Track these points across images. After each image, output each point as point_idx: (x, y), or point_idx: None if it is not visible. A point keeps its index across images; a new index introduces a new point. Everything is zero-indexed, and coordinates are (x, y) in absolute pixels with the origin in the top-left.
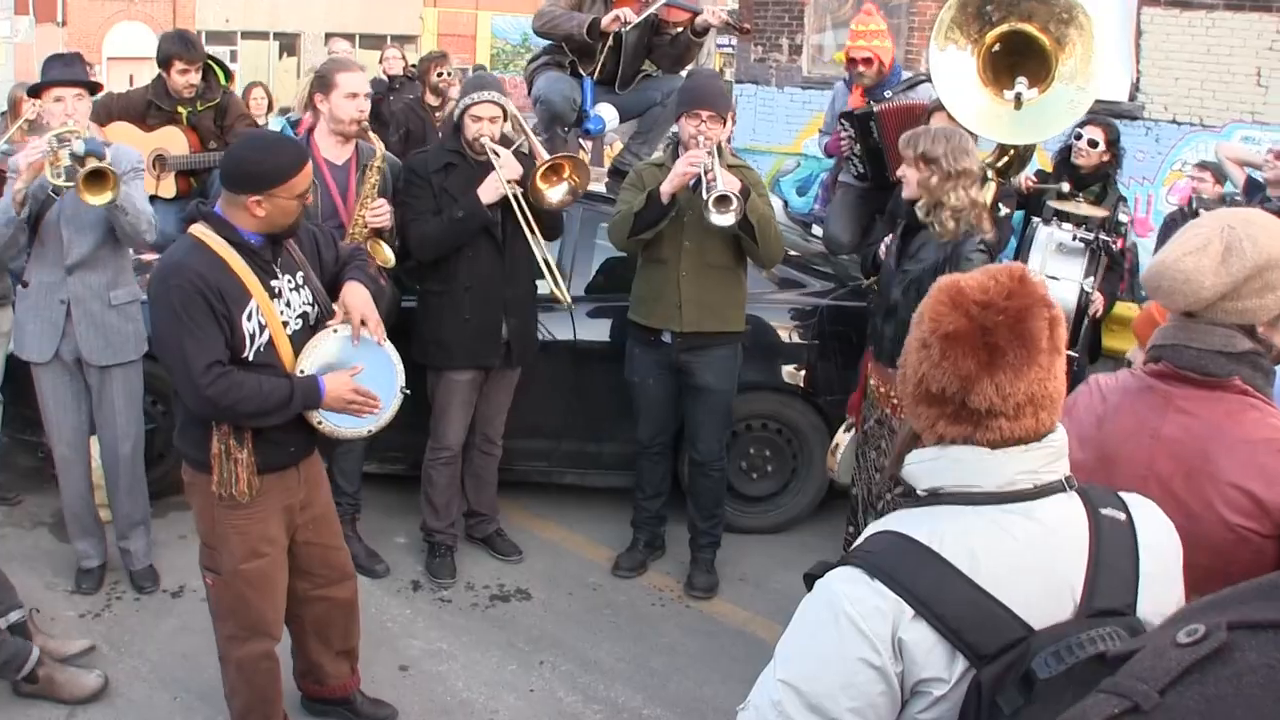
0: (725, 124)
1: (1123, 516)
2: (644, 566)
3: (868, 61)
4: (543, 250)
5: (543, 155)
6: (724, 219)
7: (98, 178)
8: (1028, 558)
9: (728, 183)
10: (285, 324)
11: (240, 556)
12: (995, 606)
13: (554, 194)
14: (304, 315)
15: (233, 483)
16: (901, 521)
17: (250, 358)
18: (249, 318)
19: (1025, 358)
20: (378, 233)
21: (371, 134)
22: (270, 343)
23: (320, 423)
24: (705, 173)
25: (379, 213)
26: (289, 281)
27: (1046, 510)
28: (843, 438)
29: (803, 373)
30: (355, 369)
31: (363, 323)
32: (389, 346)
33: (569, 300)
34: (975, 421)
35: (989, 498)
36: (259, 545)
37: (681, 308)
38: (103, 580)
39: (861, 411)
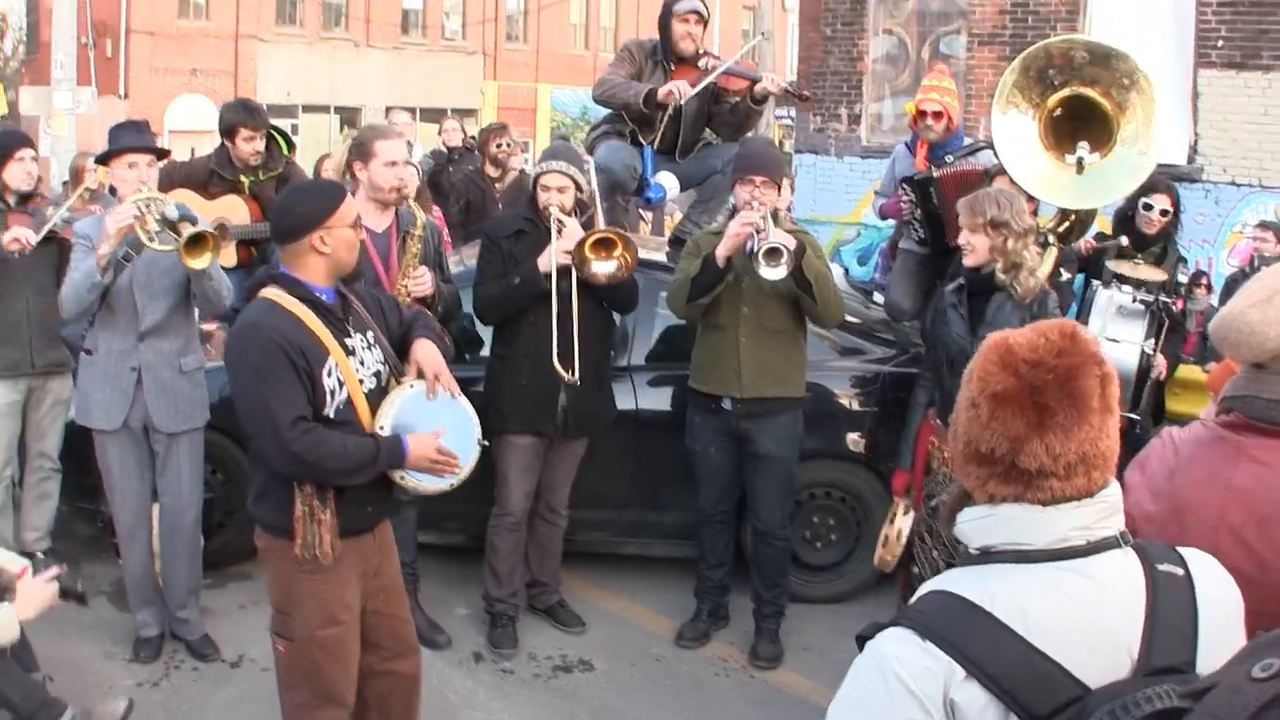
0: (780, 189)
1: (1180, 572)
2: (707, 636)
3: (937, 115)
4: (570, 324)
5: (598, 226)
6: (774, 272)
7: (198, 241)
8: (1082, 615)
9: (781, 239)
10: (360, 381)
11: (316, 623)
12: (1049, 665)
13: (601, 267)
14: (377, 374)
15: (316, 544)
16: (953, 581)
17: (331, 415)
18: (329, 374)
19: (1076, 417)
20: (420, 301)
21: (413, 202)
22: (349, 400)
23: (403, 478)
24: (758, 232)
25: (421, 281)
26: (361, 340)
27: (1101, 566)
28: (901, 523)
29: (865, 440)
30: (439, 432)
31: (436, 378)
32: (464, 400)
33: (572, 379)
34: (1026, 481)
35: (1042, 555)
36: (336, 611)
37: (741, 373)
38: (161, 649)
39: (925, 487)
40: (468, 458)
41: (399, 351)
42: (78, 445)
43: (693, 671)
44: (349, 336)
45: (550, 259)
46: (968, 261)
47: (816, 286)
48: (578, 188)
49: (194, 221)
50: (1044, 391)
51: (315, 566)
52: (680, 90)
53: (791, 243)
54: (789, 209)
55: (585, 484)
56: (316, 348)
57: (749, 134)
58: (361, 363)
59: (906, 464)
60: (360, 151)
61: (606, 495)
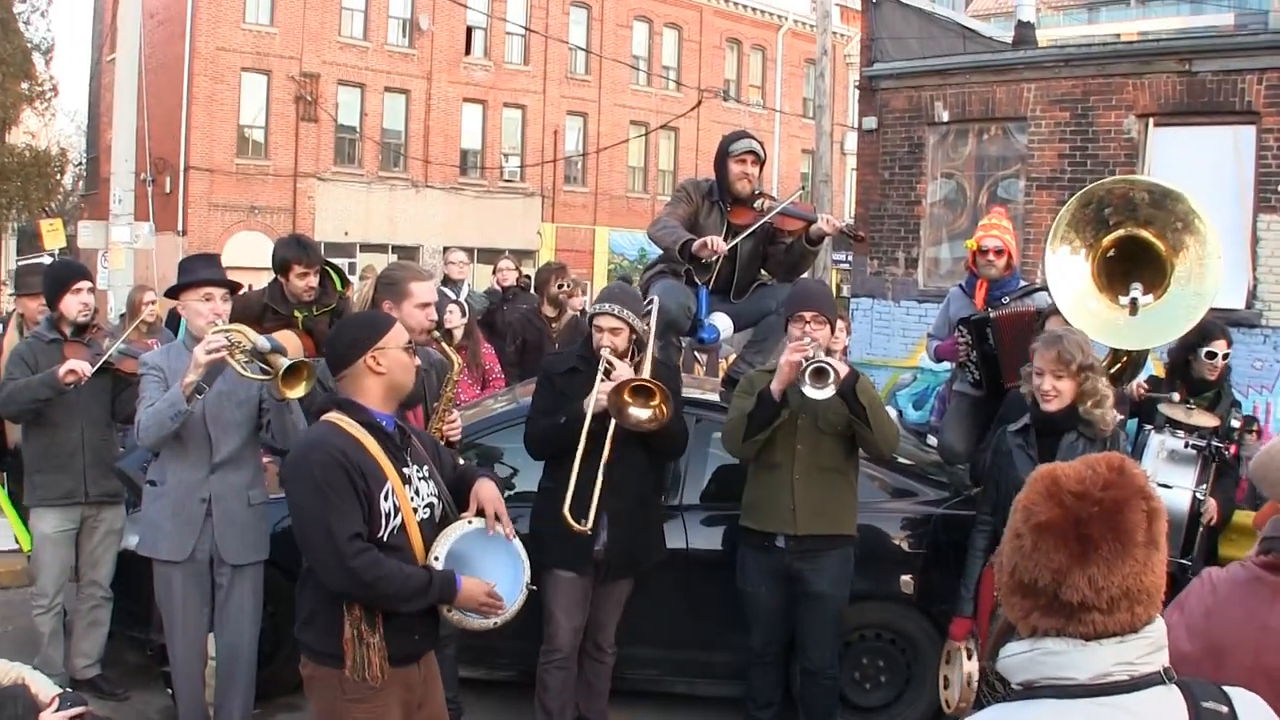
0: (832, 327)
1: (1225, 710)
2: None
3: (999, 252)
4: (595, 469)
5: (643, 373)
6: (821, 392)
7: (294, 372)
8: None
9: (831, 362)
10: (415, 511)
11: None
12: None
13: (637, 412)
14: (430, 506)
15: (364, 668)
16: (995, 715)
17: (384, 538)
18: (385, 498)
19: (1119, 551)
20: (450, 444)
21: (445, 345)
22: (402, 526)
23: (449, 610)
24: (808, 360)
25: (454, 425)
26: (418, 471)
27: (1144, 703)
28: (970, 668)
29: (917, 582)
30: (492, 584)
31: (496, 516)
32: (518, 543)
33: (583, 529)
34: (1068, 614)
35: (1084, 690)
36: None
37: (796, 511)
38: None
39: (992, 636)
40: (514, 599)
41: (452, 494)
42: (129, 574)
43: None
44: (406, 466)
45: (592, 401)
46: (1051, 407)
47: (870, 411)
48: (632, 330)
49: (283, 353)
50: (1088, 524)
51: (362, 693)
52: (714, 245)
53: (842, 367)
54: (845, 351)
55: (634, 621)
56: (376, 470)
57: (805, 274)
58: (416, 492)
59: (967, 610)
60: (392, 290)
61: (656, 633)
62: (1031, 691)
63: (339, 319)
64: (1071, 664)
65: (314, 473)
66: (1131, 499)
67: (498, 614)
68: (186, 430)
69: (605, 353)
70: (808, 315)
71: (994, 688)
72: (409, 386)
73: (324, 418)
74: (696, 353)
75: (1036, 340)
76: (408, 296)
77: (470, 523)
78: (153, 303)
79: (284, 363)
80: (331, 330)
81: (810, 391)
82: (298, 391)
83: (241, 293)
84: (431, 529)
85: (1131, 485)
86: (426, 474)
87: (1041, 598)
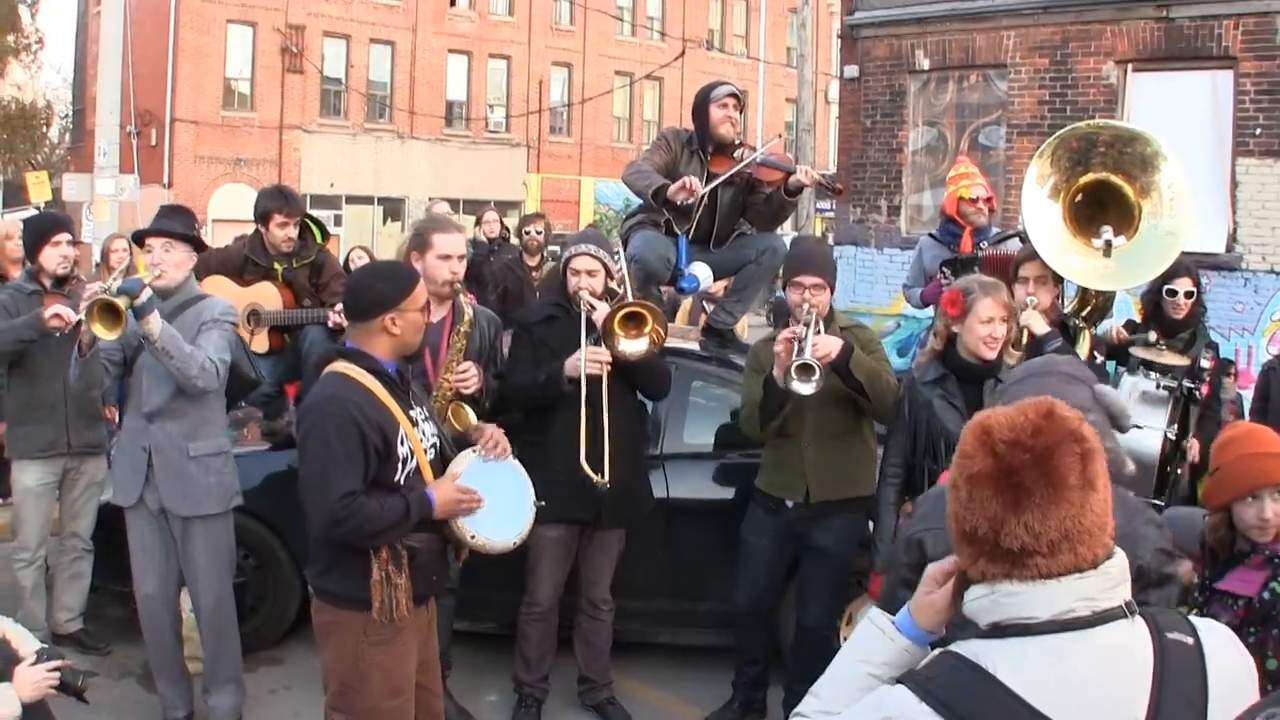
0: (831, 289)
1: (1190, 640)
2: None
3: (987, 200)
4: (601, 426)
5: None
6: (806, 387)
7: (110, 313)
8: (1088, 683)
9: (823, 347)
10: (425, 451)
11: (381, 694)
12: None
13: (630, 346)
14: (435, 446)
15: (393, 608)
16: (960, 645)
17: (401, 481)
18: (401, 443)
19: (1053, 496)
20: (464, 397)
21: (462, 298)
22: (417, 469)
23: (474, 537)
24: (799, 342)
25: (463, 377)
26: (420, 413)
27: (1108, 636)
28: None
29: None
30: (456, 474)
31: (491, 440)
32: (516, 463)
33: (601, 481)
34: (1011, 560)
35: (1047, 626)
36: (400, 682)
37: (807, 476)
38: None
39: None
40: (524, 516)
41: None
42: (111, 528)
43: None
44: (411, 409)
45: (580, 365)
46: (991, 354)
47: (867, 384)
48: (608, 273)
49: (132, 295)
50: (1019, 472)
51: (385, 635)
52: (691, 185)
53: (834, 347)
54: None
55: (617, 573)
56: (390, 419)
57: (786, 223)
58: (423, 433)
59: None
60: (418, 242)
61: (637, 584)
62: (998, 631)
63: (318, 272)
64: (1032, 602)
65: (328, 428)
66: (1063, 443)
67: (477, 505)
68: (134, 378)
69: (584, 295)
70: (807, 282)
71: None
72: (415, 347)
73: (331, 368)
74: (704, 303)
75: (972, 288)
76: (430, 248)
77: (474, 450)
78: (123, 250)
79: (87, 303)
80: (355, 277)
81: (797, 387)
82: (108, 334)
83: (223, 245)
84: (440, 467)
85: (1063, 429)
86: (426, 414)
87: (984, 545)
